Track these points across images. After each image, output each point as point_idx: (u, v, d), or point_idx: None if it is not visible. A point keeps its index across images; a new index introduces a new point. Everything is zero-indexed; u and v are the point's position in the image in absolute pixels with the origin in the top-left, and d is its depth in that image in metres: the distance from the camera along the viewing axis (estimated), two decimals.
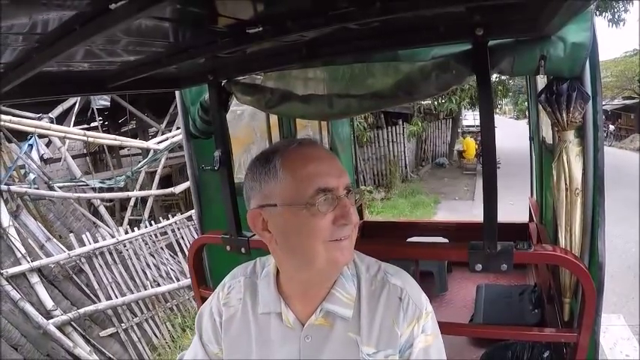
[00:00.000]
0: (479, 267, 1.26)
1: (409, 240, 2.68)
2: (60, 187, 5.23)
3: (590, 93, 1.20)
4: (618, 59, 21.03)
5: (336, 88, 1.59)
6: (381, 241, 2.99)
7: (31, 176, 4.96)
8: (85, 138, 5.54)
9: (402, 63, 1.41)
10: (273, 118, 2.55)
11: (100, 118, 8.31)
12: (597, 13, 11.03)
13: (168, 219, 5.50)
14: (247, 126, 2.89)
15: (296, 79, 1.69)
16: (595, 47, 1.18)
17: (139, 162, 6.59)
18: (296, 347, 0.90)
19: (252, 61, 1.44)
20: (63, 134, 5.42)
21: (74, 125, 6.73)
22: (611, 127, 20.52)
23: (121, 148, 8.09)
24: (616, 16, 11.48)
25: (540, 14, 1.01)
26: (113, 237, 4.89)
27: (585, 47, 1.16)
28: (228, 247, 1.65)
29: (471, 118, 20.95)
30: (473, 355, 1.99)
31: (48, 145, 6.13)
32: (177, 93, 1.95)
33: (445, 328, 1.54)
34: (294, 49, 1.29)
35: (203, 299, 1.77)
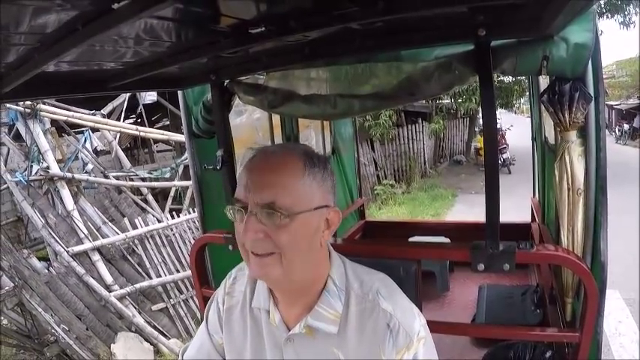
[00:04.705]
0: (481, 267, 1.25)
1: (411, 240, 2.67)
2: (114, 177, 5.91)
3: (592, 93, 1.20)
4: (634, 59, 20.81)
5: (339, 88, 1.60)
6: (383, 240, 2.99)
7: (90, 166, 5.57)
8: (137, 132, 6.23)
9: (405, 63, 1.41)
10: (276, 118, 2.55)
11: (133, 115, 8.69)
12: (608, 15, 11.02)
13: None
14: (250, 126, 2.88)
15: (299, 79, 1.70)
16: (597, 48, 1.17)
17: (172, 157, 7.28)
18: (280, 347, 0.91)
19: (255, 61, 1.44)
20: (118, 129, 6.16)
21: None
22: (626, 127, 20.14)
23: (155, 142, 8.66)
24: (627, 19, 11.44)
25: (543, 14, 1.01)
26: (161, 222, 5.35)
27: (588, 47, 1.15)
28: (230, 247, 1.65)
29: None
30: (475, 355, 1.99)
31: None
32: (179, 93, 1.95)
33: (447, 328, 1.56)
34: (297, 49, 1.29)
35: (205, 299, 1.77)
